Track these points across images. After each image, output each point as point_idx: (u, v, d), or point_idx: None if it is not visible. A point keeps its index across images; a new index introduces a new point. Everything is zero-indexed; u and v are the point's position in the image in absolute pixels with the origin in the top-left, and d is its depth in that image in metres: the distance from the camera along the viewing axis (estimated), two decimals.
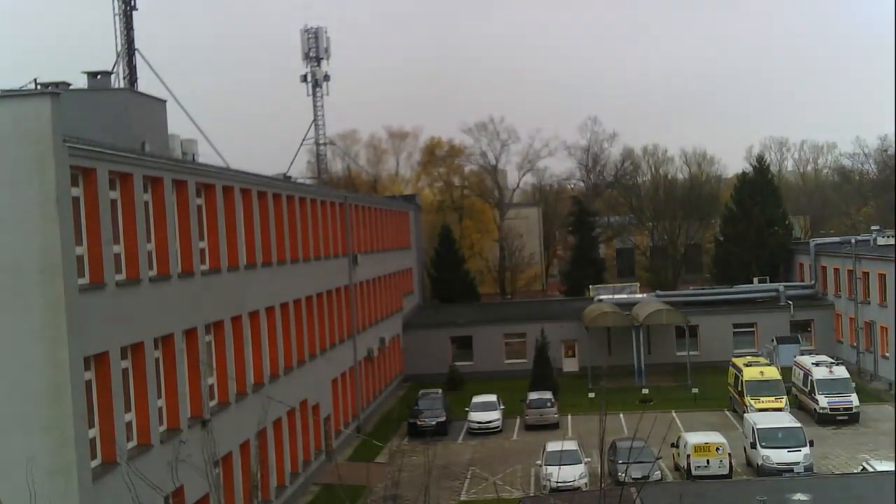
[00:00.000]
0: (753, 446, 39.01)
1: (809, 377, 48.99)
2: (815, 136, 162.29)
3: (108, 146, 23.58)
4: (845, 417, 47.02)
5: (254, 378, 33.69)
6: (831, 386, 47.75)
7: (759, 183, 77.73)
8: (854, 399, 47.43)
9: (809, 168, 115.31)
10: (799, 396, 50.26)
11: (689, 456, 37.56)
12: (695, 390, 54.00)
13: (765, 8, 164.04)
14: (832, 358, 52.06)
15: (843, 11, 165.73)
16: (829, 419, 46.97)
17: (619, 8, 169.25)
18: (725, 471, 37.18)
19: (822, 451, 41.15)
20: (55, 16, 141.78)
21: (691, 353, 59.56)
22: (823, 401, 47.22)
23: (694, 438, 38.69)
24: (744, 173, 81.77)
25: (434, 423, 48.20)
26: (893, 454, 36.60)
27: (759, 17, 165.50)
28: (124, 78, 52.50)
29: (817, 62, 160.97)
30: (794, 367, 52.17)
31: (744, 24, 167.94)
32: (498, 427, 49.06)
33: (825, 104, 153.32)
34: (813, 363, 49.91)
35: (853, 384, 48.60)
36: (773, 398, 46.99)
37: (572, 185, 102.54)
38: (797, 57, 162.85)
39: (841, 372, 48.69)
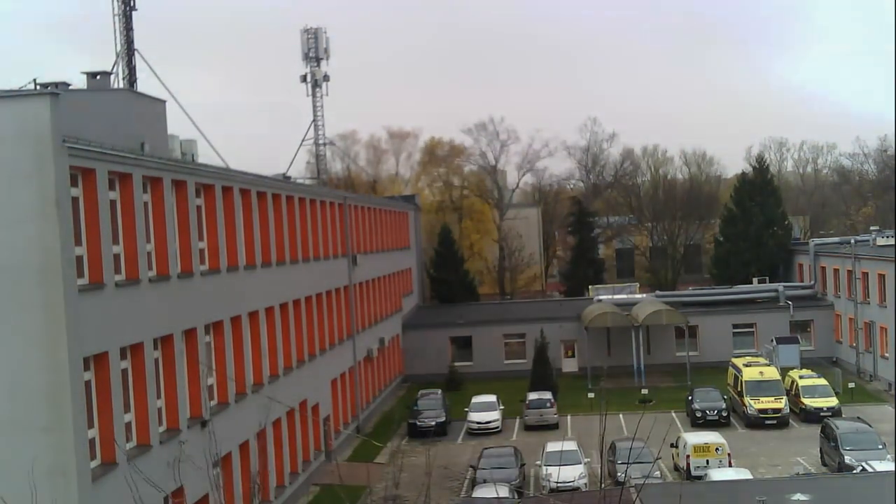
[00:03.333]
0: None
1: (739, 378, 48.81)
2: (815, 136, 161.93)
3: (108, 146, 23.55)
4: (773, 421, 46.56)
5: (253, 378, 33.67)
6: (761, 388, 47.35)
7: (759, 183, 77.71)
8: (784, 402, 47.01)
9: (809, 168, 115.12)
10: (732, 398, 50.00)
11: (688, 456, 37.57)
12: None
13: (764, 9, 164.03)
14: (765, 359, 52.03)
15: (842, 11, 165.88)
16: (757, 423, 46.58)
17: (619, 8, 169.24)
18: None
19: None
20: (55, 16, 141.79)
21: (691, 353, 59.56)
22: (752, 404, 46.69)
23: (693, 439, 38.69)
24: (743, 173, 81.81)
25: (434, 423, 48.18)
26: (894, 454, 36.63)
27: (760, 18, 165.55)
28: (124, 78, 52.39)
29: (816, 61, 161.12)
30: (730, 367, 52.02)
31: (743, 25, 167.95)
32: (497, 427, 49.05)
33: (825, 104, 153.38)
34: (744, 364, 49.77)
35: (784, 388, 48.21)
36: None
37: (572, 186, 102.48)
38: (796, 56, 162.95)
39: (772, 374, 48.46)
